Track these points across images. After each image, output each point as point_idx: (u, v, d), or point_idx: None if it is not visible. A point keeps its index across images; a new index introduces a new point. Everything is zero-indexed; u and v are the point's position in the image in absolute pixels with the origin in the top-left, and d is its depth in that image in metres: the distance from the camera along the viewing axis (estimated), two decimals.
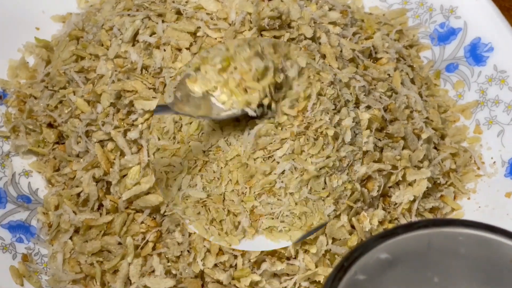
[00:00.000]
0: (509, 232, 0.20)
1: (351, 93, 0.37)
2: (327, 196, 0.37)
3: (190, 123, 0.39)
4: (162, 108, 0.35)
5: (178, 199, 0.38)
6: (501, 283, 0.21)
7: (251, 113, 0.34)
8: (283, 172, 0.36)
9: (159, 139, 0.40)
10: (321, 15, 0.35)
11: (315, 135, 0.36)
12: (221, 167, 0.37)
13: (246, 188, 0.37)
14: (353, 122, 0.38)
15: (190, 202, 0.38)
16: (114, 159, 0.34)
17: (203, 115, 0.35)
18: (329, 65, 0.36)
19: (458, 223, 0.21)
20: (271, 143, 0.36)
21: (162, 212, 0.34)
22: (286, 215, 0.37)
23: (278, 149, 0.36)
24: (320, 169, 0.36)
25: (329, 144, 0.36)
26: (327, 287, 0.20)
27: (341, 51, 0.38)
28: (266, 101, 0.35)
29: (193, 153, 0.38)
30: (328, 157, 0.36)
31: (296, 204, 0.36)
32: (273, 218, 0.37)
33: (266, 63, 0.34)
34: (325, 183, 0.37)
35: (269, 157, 0.36)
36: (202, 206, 0.38)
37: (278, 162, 0.36)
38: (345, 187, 0.38)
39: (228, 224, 0.37)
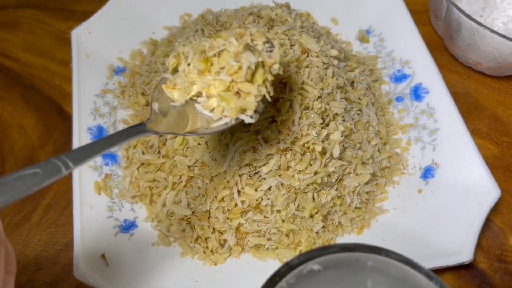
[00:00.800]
0: (426, 270, 0.21)
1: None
2: (316, 213, 0.36)
3: (175, 137, 0.38)
4: (137, 130, 0.28)
5: (163, 216, 0.37)
6: None
7: (248, 120, 0.29)
8: (269, 189, 0.35)
9: (143, 153, 0.39)
10: (326, 50, 0.39)
11: (302, 150, 0.35)
12: (206, 183, 0.36)
13: (231, 205, 0.36)
14: (341, 136, 0.37)
15: (175, 219, 0.37)
16: None
17: (190, 131, 0.29)
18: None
19: (384, 252, 0.22)
20: (256, 160, 0.34)
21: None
22: (273, 233, 0.36)
23: (264, 165, 0.35)
24: (308, 185, 0.35)
25: (317, 159, 0.35)
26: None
27: (336, 79, 0.38)
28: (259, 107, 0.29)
29: (178, 168, 0.37)
30: (316, 173, 0.35)
31: (283, 221, 0.35)
32: (259, 236, 0.36)
33: (260, 57, 0.29)
34: (313, 199, 0.36)
35: (255, 173, 0.35)
36: (187, 224, 0.37)
37: (264, 179, 0.35)
38: (334, 203, 0.37)
39: (214, 242, 0.36)
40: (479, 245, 0.39)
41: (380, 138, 0.41)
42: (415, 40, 0.45)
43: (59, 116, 0.45)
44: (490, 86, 0.48)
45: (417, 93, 0.43)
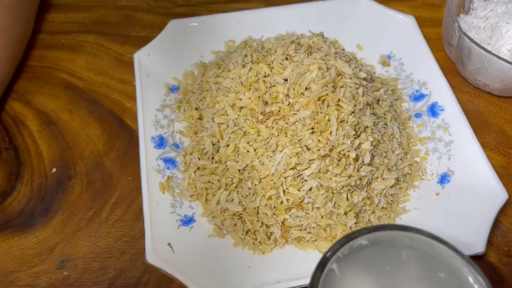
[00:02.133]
0: (451, 245, 0.28)
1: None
2: (350, 211, 0.42)
3: (227, 145, 0.45)
4: None
5: (217, 212, 0.43)
6: (439, 282, 0.27)
7: None
8: (310, 189, 0.41)
9: (199, 159, 0.46)
10: (356, 72, 0.46)
11: (338, 156, 0.41)
12: (255, 184, 0.43)
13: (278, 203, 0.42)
14: (371, 145, 0.43)
15: (228, 214, 0.43)
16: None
17: None
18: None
19: (414, 230, 0.28)
20: (300, 164, 0.41)
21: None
22: (313, 227, 0.42)
23: (306, 168, 0.41)
24: (343, 186, 0.41)
25: (351, 164, 0.42)
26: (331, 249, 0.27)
27: (366, 97, 0.45)
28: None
29: (230, 171, 0.44)
30: (350, 176, 0.41)
31: (322, 217, 0.42)
32: (301, 230, 0.42)
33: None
34: (347, 199, 0.42)
35: (298, 176, 0.42)
36: (238, 218, 0.43)
37: (306, 180, 0.41)
38: (364, 203, 0.43)
39: (262, 234, 0.42)
40: (490, 242, 0.45)
41: (402, 149, 0.47)
42: (431, 64, 0.51)
43: (121, 127, 0.52)
44: (497, 105, 0.54)
45: (433, 110, 0.49)
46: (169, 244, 0.41)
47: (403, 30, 0.54)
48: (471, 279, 0.27)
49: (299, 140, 0.41)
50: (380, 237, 0.28)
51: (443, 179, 0.46)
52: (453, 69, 0.57)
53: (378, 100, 0.48)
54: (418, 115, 0.50)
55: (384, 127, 0.46)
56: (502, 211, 0.47)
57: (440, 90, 0.50)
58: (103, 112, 0.53)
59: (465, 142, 0.46)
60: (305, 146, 0.41)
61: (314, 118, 0.42)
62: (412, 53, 0.53)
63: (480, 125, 0.52)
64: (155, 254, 0.39)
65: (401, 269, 0.28)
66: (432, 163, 0.47)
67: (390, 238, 0.28)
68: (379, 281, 0.27)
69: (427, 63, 0.52)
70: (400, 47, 0.54)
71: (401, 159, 0.46)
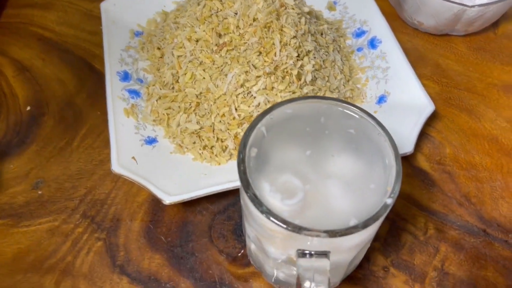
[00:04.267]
0: (358, 107, 0.34)
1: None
2: None
3: (185, 74, 0.49)
4: None
5: (177, 133, 0.48)
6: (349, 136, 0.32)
7: None
8: (258, 104, 0.46)
9: (160, 89, 0.51)
10: (300, 6, 0.51)
11: (282, 74, 0.46)
12: (211, 105, 0.47)
13: (230, 119, 0.47)
14: (313, 67, 0.48)
15: (187, 133, 0.48)
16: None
17: None
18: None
19: (331, 99, 0.34)
20: (248, 81, 0.46)
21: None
22: None
23: (254, 85, 0.46)
24: None
25: (294, 82, 0.47)
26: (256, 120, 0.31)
27: (308, 26, 0.50)
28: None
29: (188, 97, 0.49)
30: (293, 92, 0.46)
31: None
32: None
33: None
34: None
35: (248, 93, 0.46)
36: (196, 136, 0.48)
37: (254, 97, 0.46)
38: None
39: (218, 148, 0.47)
40: (422, 153, 0.50)
41: (344, 75, 0.52)
42: (371, 5, 0.57)
43: (91, 71, 0.57)
44: (433, 42, 0.60)
45: (373, 43, 0.55)
46: (133, 157, 0.45)
47: None
48: (375, 132, 0.32)
49: (247, 62, 0.46)
50: (303, 107, 0.33)
51: (381, 99, 0.51)
52: (393, 14, 0.63)
53: (322, 33, 0.53)
54: (359, 49, 0.56)
55: (326, 55, 0.51)
56: (434, 127, 0.52)
57: (378, 26, 0.55)
58: (74, 59, 0.58)
59: (399, 67, 0.52)
60: (253, 65, 0.46)
61: (261, 43, 0.47)
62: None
63: (417, 60, 0.58)
64: (120, 164, 0.44)
65: (318, 129, 0.33)
66: (372, 87, 0.53)
67: (311, 108, 0.33)
68: (301, 141, 0.32)
69: (367, 5, 0.57)
70: None
71: (343, 85, 0.52)
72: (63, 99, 0.54)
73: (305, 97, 0.33)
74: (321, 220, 0.29)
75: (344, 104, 0.33)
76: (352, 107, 0.33)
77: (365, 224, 0.28)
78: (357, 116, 0.33)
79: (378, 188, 0.30)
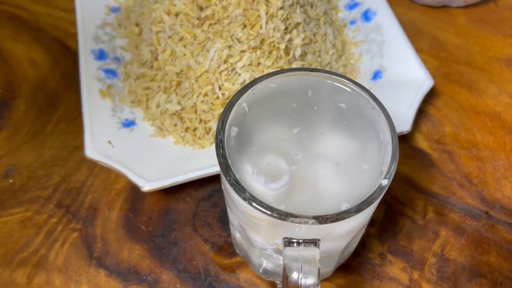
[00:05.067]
0: (350, 79, 0.30)
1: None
2: None
3: (165, 50, 0.46)
4: None
5: (157, 114, 0.45)
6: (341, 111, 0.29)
7: None
8: (244, 82, 0.43)
9: (138, 67, 0.47)
10: None
11: (269, 49, 0.43)
12: (193, 83, 0.44)
13: (214, 98, 0.43)
14: (302, 41, 0.45)
15: (168, 115, 0.44)
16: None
17: None
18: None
19: (313, 70, 0.30)
20: (232, 56, 0.42)
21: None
22: None
23: (238, 61, 0.42)
24: None
25: (282, 58, 0.43)
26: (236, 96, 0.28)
27: None
28: None
29: (169, 75, 0.45)
30: (281, 68, 0.43)
31: None
32: None
33: None
34: None
35: (232, 70, 0.43)
36: (178, 118, 0.44)
37: (240, 74, 0.43)
38: None
39: (201, 130, 0.43)
40: (420, 132, 0.47)
41: (337, 50, 0.49)
42: None
43: (65, 51, 0.53)
44: (430, 15, 0.57)
45: (366, 15, 0.51)
46: (109, 142, 0.42)
47: None
48: (369, 106, 0.29)
49: (231, 36, 0.43)
50: (289, 80, 0.30)
51: (376, 75, 0.48)
52: None
53: (312, 5, 0.49)
54: (352, 22, 0.52)
55: (317, 28, 0.48)
56: (433, 104, 0.49)
57: None
58: (47, 39, 0.54)
59: (395, 40, 0.48)
60: (236, 39, 0.42)
61: (245, 15, 0.43)
62: None
63: (414, 34, 0.55)
64: (94, 148, 0.40)
65: (306, 104, 0.29)
66: (366, 62, 0.49)
67: (297, 81, 0.30)
68: (286, 118, 0.29)
69: None
70: None
71: (335, 60, 0.48)
72: (35, 81, 0.51)
73: (291, 69, 0.30)
74: (310, 205, 0.26)
75: (333, 76, 0.29)
76: (343, 79, 0.29)
77: (358, 208, 0.25)
78: (348, 90, 0.29)
79: (372, 168, 0.27)
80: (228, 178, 0.26)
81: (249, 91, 0.29)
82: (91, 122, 0.42)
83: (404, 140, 0.46)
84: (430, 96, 0.49)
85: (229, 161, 0.27)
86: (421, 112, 0.48)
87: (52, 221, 0.42)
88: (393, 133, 0.28)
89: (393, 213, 0.42)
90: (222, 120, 0.28)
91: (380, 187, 0.26)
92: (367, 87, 0.47)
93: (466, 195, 0.43)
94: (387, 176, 0.26)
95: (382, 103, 0.44)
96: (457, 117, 0.48)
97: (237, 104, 0.28)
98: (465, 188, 0.44)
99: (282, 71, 0.30)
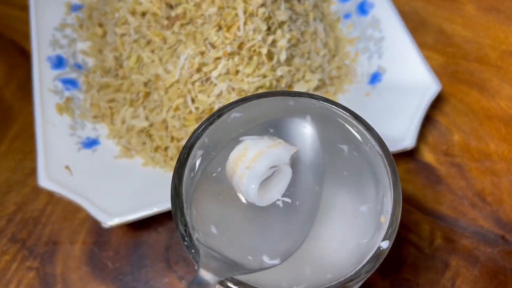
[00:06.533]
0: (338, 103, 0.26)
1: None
2: None
3: (130, 57, 0.40)
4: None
5: (123, 131, 0.39)
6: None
7: None
8: (220, 93, 0.37)
9: (102, 76, 0.41)
10: None
11: (249, 54, 0.37)
12: (162, 95, 0.38)
13: (186, 113, 0.37)
14: (288, 43, 0.39)
15: (135, 132, 0.38)
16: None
17: None
18: None
19: (306, 95, 0.24)
20: (205, 64, 0.36)
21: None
22: None
23: (213, 70, 0.36)
24: (257, 88, 0.37)
25: (264, 64, 0.37)
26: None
27: None
28: None
29: (135, 86, 0.39)
30: (264, 76, 0.37)
31: None
32: None
33: None
34: None
35: (207, 80, 0.37)
36: (146, 136, 0.38)
37: (215, 84, 0.37)
38: None
39: (173, 149, 0.38)
40: (425, 142, 0.41)
41: (329, 50, 0.43)
42: None
43: (22, 55, 0.47)
44: (436, 4, 0.50)
45: (362, 8, 0.45)
46: (66, 167, 0.36)
47: None
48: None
49: (204, 40, 0.37)
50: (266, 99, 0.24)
51: (374, 78, 0.42)
52: None
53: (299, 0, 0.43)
54: (347, 16, 0.46)
55: (305, 25, 0.42)
56: (440, 109, 0.43)
57: None
58: (2, 42, 0.48)
59: (396, 37, 0.42)
60: (210, 44, 0.36)
61: (221, 15, 0.37)
62: None
63: (417, 26, 0.48)
64: (48, 177, 0.35)
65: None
66: (363, 63, 0.43)
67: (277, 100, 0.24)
68: None
69: None
70: None
71: (327, 62, 0.42)
72: None
73: (263, 94, 0.24)
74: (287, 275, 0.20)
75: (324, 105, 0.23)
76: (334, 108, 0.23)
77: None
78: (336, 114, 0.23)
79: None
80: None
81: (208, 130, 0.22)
82: (45, 144, 0.36)
83: (406, 153, 0.41)
84: (436, 100, 0.43)
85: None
86: (426, 119, 0.42)
87: (5, 259, 0.37)
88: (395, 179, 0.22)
89: (396, 240, 0.37)
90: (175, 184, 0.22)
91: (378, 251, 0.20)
92: (365, 93, 0.41)
93: (478, 216, 0.38)
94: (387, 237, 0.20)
95: (381, 113, 0.38)
96: (467, 124, 0.42)
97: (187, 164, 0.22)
98: (477, 208, 0.38)
99: (251, 96, 0.24)
